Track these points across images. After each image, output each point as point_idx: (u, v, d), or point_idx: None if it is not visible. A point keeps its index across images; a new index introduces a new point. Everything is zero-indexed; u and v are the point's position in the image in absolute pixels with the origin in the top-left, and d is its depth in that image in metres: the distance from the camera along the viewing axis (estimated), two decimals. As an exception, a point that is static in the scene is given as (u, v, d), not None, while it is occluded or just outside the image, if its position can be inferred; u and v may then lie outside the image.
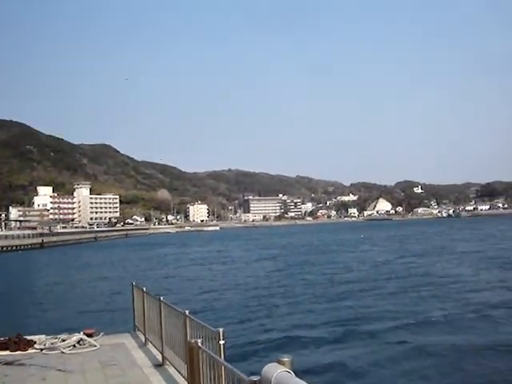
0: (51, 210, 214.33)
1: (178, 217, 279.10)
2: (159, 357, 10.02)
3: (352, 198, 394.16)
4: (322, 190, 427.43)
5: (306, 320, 22.43)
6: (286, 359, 3.90)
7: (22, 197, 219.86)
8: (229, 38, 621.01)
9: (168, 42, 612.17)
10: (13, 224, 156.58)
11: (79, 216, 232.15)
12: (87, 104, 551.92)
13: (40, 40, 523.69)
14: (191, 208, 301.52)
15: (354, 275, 38.75)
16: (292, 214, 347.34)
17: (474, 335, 18.60)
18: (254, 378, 3.95)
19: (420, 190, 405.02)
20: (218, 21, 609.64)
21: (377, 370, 14.99)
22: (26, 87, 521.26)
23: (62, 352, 10.93)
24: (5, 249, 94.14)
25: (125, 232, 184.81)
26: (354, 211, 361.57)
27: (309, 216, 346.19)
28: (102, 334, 12.55)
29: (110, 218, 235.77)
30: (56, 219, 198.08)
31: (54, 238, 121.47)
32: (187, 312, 7.75)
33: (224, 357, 5.88)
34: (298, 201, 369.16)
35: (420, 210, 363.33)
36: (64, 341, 11.36)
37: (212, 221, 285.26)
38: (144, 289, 11.59)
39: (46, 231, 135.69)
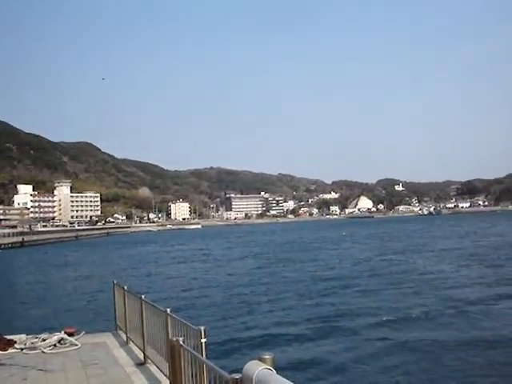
0: (31, 209, 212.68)
1: (160, 215, 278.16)
2: (141, 355, 9.99)
3: (334, 195, 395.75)
4: (303, 187, 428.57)
5: (288, 317, 22.47)
6: (267, 357, 3.91)
7: (1, 195, 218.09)
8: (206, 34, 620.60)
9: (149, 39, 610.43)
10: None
11: (60, 215, 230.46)
12: (67, 101, 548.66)
13: (19, 37, 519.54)
14: (173, 206, 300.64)
15: (336, 272, 38.88)
16: (274, 212, 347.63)
17: (453, 331, 18.80)
18: (236, 376, 3.95)
19: (401, 188, 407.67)
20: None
21: (358, 366, 15.08)
22: (5, 85, 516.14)
23: (43, 351, 10.86)
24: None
25: (106, 231, 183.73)
26: (335, 209, 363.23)
27: (291, 214, 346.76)
28: (83, 333, 12.47)
29: (91, 217, 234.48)
30: (36, 218, 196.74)
31: (35, 237, 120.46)
32: (168, 310, 7.73)
33: (206, 355, 5.87)
34: (280, 199, 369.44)
35: (401, 207, 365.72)
36: (45, 340, 11.28)
37: (194, 219, 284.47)
38: (125, 287, 11.54)
39: (26, 230, 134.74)
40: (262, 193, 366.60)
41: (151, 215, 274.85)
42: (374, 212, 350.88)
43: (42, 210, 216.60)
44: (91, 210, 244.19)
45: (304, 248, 69.15)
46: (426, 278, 33.29)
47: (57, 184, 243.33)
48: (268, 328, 20.35)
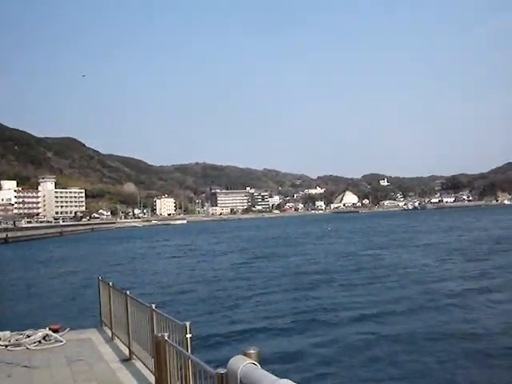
0: (15, 205, 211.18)
1: (145, 211, 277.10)
2: (126, 351, 9.98)
3: (319, 190, 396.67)
4: (289, 183, 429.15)
5: (273, 311, 22.54)
6: (252, 351, 3.93)
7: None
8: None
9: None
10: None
11: (44, 210, 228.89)
12: (51, 97, 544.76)
13: (5, 32, 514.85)
14: (158, 202, 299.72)
15: (320, 267, 38.99)
16: (259, 207, 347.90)
17: (436, 323, 19.03)
18: (221, 371, 3.97)
19: (386, 183, 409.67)
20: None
21: (343, 358, 15.22)
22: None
23: (28, 348, 10.82)
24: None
25: (91, 226, 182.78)
26: (321, 204, 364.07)
27: (276, 209, 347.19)
28: (67, 329, 12.44)
29: (75, 213, 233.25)
30: (21, 214, 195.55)
31: (19, 233, 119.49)
32: (153, 306, 7.73)
33: (191, 350, 5.89)
34: (266, 194, 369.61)
35: (386, 202, 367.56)
36: (29, 337, 11.24)
37: (179, 214, 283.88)
38: (110, 283, 11.52)
39: (10, 226, 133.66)
40: (248, 188, 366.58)
41: (136, 211, 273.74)
42: (359, 207, 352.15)
43: (26, 205, 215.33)
44: (76, 206, 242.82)
45: (289, 243, 69.24)
46: (409, 272, 33.57)
47: (41, 180, 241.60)
48: (253, 322, 20.41)
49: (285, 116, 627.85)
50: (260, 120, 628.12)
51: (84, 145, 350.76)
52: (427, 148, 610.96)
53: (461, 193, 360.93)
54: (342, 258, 44.50)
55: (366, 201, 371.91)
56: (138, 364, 9.00)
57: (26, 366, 9.34)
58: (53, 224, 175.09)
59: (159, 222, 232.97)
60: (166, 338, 6.03)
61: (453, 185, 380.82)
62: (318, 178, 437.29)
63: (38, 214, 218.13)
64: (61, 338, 11.38)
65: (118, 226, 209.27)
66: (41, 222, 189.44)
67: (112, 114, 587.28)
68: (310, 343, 17.01)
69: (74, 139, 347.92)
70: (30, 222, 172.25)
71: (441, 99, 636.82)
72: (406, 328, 18.40)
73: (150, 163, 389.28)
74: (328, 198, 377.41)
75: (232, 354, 3.98)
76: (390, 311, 21.49)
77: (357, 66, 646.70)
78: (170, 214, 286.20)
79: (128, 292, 9.67)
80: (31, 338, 11.18)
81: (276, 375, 3.36)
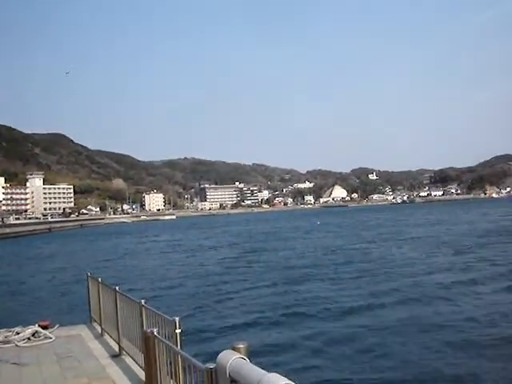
0: (4, 202, 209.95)
1: (134, 206, 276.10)
2: (116, 347, 10.00)
3: (308, 185, 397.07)
4: (278, 177, 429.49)
5: (262, 304, 22.64)
6: (241, 346, 3.96)
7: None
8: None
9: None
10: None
11: (33, 207, 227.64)
12: (39, 93, 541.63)
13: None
14: (147, 197, 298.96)
15: (309, 261, 39.12)
16: (249, 202, 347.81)
17: (422, 315, 19.24)
18: (210, 366, 3.99)
19: (375, 177, 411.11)
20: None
21: (331, 350, 15.38)
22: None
23: (17, 345, 10.82)
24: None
25: (80, 222, 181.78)
26: (310, 198, 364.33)
27: (265, 204, 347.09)
28: (57, 325, 12.43)
29: (64, 209, 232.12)
30: (9, 210, 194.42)
31: (7, 230, 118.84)
32: (143, 301, 7.74)
33: (180, 345, 5.91)
34: (255, 189, 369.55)
35: (375, 196, 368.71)
36: (18, 334, 11.23)
37: (168, 210, 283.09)
38: (99, 279, 11.51)
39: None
40: (237, 183, 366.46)
41: (125, 206, 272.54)
42: (348, 201, 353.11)
43: (14, 202, 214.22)
44: (64, 202, 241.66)
45: (278, 237, 69.34)
46: (397, 265, 33.74)
47: (29, 176, 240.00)
48: (242, 316, 20.50)
49: (273, 111, 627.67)
50: (248, 115, 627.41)
51: (72, 141, 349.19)
52: (415, 142, 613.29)
53: (449, 186, 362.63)
54: (330, 252, 44.63)
55: (354, 195, 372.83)
56: (128, 360, 9.01)
57: (15, 363, 9.34)
58: (41, 220, 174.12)
59: (148, 218, 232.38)
60: (156, 333, 6.05)
61: (441, 178, 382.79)
62: (307, 172, 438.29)
63: (26, 211, 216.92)
64: (50, 335, 11.37)
65: (107, 221, 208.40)
66: (29, 218, 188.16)
67: (101, 109, 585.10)
68: (298, 336, 17.12)
69: (62, 135, 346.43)
70: (18, 219, 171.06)
71: (429, 94, 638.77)
72: (394, 320, 18.60)
73: (138, 159, 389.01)
74: (317, 193, 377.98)
75: (221, 349, 4.01)
76: (378, 304, 21.66)
77: (343, 59, 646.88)
78: (159, 210, 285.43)
79: (117, 288, 9.68)
80: (20, 335, 11.17)
81: (265, 369, 3.38)
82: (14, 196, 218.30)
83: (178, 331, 6.09)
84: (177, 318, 6.16)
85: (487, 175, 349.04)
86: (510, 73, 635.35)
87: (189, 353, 4.90)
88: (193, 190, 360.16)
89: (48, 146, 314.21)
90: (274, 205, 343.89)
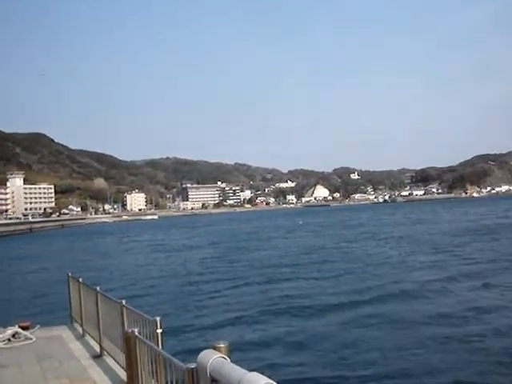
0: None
1: (115, 206, 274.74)
2: (97, 348, 9.97)
3: (290, 184, 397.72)
4: (260, 177, 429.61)
5: (244, 303, 22.76)
6: (221, 345, 3.98)
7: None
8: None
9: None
10: None
11: (13, 207, 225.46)
12: (20, 92, 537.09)
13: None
14: (128, 197, 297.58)
15: (290, 260, 39.29)
16: (231, 202, 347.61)
17: (401, 311, 19.63)
18: (191, 366, 4.01)
19: (357, 177, 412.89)
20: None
21: (312, 346, 15.59)
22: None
23: (-4, 346, 10.73)
24: None
25: (61, 223, 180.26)
26: (292, 198, 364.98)
27: (247, 203, 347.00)
28: (37, 326, 12.36)
29: (45, 209, 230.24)
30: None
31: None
32: (124, 302, 7.73)
33: (162, 345, 5.91)
34: (237, 188, 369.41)
35: (357, 195, 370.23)
36: (-2, 335, 11.14)
37: (150, 209, 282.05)
38: (80, 279, 11.46)
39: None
40: (219, 182, 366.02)
41: (107, 206, 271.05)
42: (330, 200, 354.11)
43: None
44: (45, 202, 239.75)
45: (260, 237, 69.40)
46: (377, 264, 34.12)
47: (9, 176, 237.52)
48: (224, 314, 20.60)
49: (255, 111, 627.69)
50: (231, 115, 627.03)
51: (53, 140, 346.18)
52: (397, 142, 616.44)
53: (430, 186, 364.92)
54: (312, 252, 44.76)
55: (336, 194, 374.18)
56: (109, 360, 8.99)
57: (-5, 365, 9.26)
58: (22, 220, 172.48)
59: (130, 218, 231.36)
60: (137, 333, 6.04)
61: (422, 178, 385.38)
62: (289, 172, 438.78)
63: (6, 211, 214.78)
64: (31, 336, 11.30)
65: (89, 221, 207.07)
66: (10, 218, 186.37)
67: (81, 109, 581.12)
68: (279, 333, 17.34)
69: (43, 134, 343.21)
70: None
71: (411, 94, 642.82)
72: (373, 316, 18.90)
73: (120, 158, 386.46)
74: (299, 192, 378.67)
75: (203, 347, 4.02)
76: (358, 301, 21.96)
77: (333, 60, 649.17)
78: (140, 210, 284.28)
79: (98, 288, 9.65)
80: (0, 336, 11.08)
81: (246, 367, 3.40)
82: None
83: (159, 331, 6.09)
84: (158, 318, 6.17)
85: (468, 175, 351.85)
86: (492, 73, 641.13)
87: (170, 352, 4.91)
88: (175, 190, 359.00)
89: (29, 146, 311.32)
90: (256, 204, 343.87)
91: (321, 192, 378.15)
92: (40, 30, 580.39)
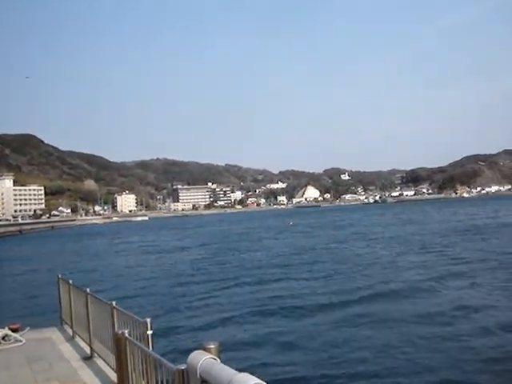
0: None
1: (106, 207, 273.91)
2: (87, 349, 9.94)
3: (281, 185, 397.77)
4: (251, 178, 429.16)
5: (234, 303, 22.86)
6: (211, 346, 3.99)
7: None
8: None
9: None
10: None
11: (3, 208, 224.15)
12: (9, 92, 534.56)
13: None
14: (119, 198, 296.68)
15: (282, 260, 39.35)
16: (222, 203, 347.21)
17: (391, 310, 19.81)
18: (181, 367, 4.01)
19: (347, 177, 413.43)
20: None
21: (302, 345, 15.74)
22: None
23: (-14, 349, 10.69)
24: None
25: (51, 224, 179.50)
26: (283, 199, 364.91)
27: (238, 204, 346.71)
28: (27, 328, 12.31)
29: (35, 210, 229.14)
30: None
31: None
32: (114, 303, 7.72)
33: (152, 346, 5.91)
34: (228, 189, 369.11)
35: (347, 196, 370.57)
36: (-12, 337, 11.10)
37: (140, 211, 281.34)
38: (70, 281, 11.43)
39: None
40: (210, 183, 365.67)
41: (97, 208, 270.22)
42: (320, 201, 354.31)
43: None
44: (35, 204, 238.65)
45: (251, 238, 69.44)
46: (367, 264, 34.30)
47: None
48: (214, 315, 20.66)
49: (246, 112, 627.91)
50: (221, 116, 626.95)
51: (43, 141, 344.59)
52: (387, 142, 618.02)
53: (420, 186, 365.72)
54: (302, 252, 44.84)
55: (327, 195, 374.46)
56: (100, 362, 8.97)
57: (-16, 367, 9.22)
58: (12, 222, 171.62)
59: (120, 219, 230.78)
60: (127, 335, 6.03)
61: (412, 178, 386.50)
62: (280, 172, 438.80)
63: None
64: (20, 338, 11.26)
65: (79, 223, 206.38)
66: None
67: (71, 110, 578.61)
68: (270, 332, 17.46)
69: (33, 136, 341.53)
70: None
71: (401, 94, 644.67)
72: (363, 315, 19.09)
73: (110, 159, 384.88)
74: (290, 193, 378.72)
75: (193, 348, 4.03)
76: (348, 300, 22.18)
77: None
78: (131, 211, 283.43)
79: (88, 290, 9.63)
80: (-10, 338, 11.04)
81: (236, 367, 3.41)
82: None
83: (149, 332, 6.09)
84: (148, 320, 6.16)
85: (458, 175, 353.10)
86: (480, 73, 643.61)
87: (160, 353, 4.91)
88: (165, 191, 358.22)
89: (18, 147, 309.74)
90: (247, 205, 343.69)
91: (311, 193, 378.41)
92: (29, 30, 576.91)
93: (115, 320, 7.57)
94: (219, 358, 3.82)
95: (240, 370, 3.32)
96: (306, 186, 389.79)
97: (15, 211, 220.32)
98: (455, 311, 18.91)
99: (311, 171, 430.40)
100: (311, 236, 66.11)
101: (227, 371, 3.39)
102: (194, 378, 3.77)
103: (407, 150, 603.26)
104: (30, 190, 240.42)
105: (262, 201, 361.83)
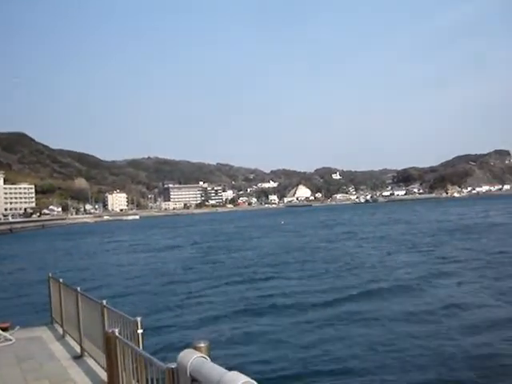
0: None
1: (97, 206, 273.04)
2: (78, 349, 9.93)
3: (272, 184, 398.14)
4: (242, 177, 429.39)
5: (225, 302, 22.87)
6: (202, 345, 3.99)
7: None
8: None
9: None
10: None
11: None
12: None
13: None
14: (110, 197, 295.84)
15: (272, 259, 39.42)
16: (213, 202, 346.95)
17: (380, 307, 19.95)
18: (171, 366, 4.01)
19: (338, 177, 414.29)
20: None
21: (290, 344, 15.76)
22: None
23: (-24, 348, 10.65)
24: None
25: (41, 223, 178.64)
26: (274, 198, 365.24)
27: (230, 203, 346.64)
28: (17, 327, 12.29)
29: (25, 209, 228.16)
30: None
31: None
32: (104, 302, 7.71)
33: (142, 345, 5.91)
34: (219, 188, 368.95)
35: (339, 195, 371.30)
36: (-23, 336, 11.06)
37: (131, 210, 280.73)
38: (61, 280, 11.40)
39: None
40: (201, 182, 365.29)
41: (88, 206, 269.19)
42: (312, 201, 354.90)
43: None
44: (26, 202, 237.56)
45: (242, 237, 69.42)
46: (357, 262, 34.46)
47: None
48: (206, 313, 20.71)
49: (237, 111, 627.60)
50: (212, 114, 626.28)
51: (33, 140, 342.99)
52: (378, 142, 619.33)
53: (411, 186, 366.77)
54: (293, 251, 44.88)
55: (318, 194, 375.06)
56: (90, 361, 8.96)
57: (-26, 366, 9.19)
58: (2, 221, 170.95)
59: (111, 218, 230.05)
60: (117, 333, 6.03)
61: (403, 178, 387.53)
62: (271, 172, 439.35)
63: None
64: (10, 337, 11.23)
65: (69, 222, 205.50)
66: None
67: (62, 108, 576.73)
68: (260, 331, 17.53)
69: (24, 134, 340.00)
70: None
71: (391, 94, 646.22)
72: (352, 313, 19.24)
73: (101, 158, 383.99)
74: (281, 192, 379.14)
75: (183, 347, 4.04)
76: (337, 299, 22.29)
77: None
78: (122, 210, 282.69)
79: (78, 288, 9.61)
80: (-21, 337, 11.01)
81: (226, 365, 3.42)
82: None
83: (139, 331, 6.09)
84: (138, 318, 6.16)
85: (449, 175, 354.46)
86: (472, 73, 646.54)
87: (150, 351, 4.92)
88: (156, 190, 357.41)
89: (9, 145, 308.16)
90: (238, 204, 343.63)
91: (303, 192, 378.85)
92: (19, 28, 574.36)
93: (105, 319, 7.57)
94: (209, 356, 3.82)
95: (230, 369, 3.33)
96: (298, 185, 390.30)
97: (5, 210, 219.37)
98: (444, 309, 19.06)
99: (303, 171, 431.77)
100: (302, 235, 66.17)
101: (217, 370, 3.40)
102: (184, 376, 3.78)
103: (398, 150, 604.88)
104: (20, 188, 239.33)
105: (254, 200, 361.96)
